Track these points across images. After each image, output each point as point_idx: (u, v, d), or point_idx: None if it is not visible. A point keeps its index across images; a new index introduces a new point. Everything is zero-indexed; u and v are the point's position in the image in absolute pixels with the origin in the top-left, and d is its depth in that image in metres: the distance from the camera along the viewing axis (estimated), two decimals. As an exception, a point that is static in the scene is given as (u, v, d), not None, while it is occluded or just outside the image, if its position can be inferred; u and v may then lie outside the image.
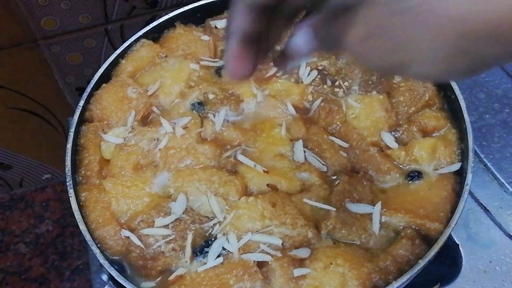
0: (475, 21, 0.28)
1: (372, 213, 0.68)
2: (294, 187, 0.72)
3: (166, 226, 0.68)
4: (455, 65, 0.31)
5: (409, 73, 0.35)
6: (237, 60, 0.44)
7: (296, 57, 0.45)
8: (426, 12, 0.29)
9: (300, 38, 0.42)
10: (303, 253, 0.65)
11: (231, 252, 0.66)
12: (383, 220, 0.69)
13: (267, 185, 0.71)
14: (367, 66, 0.36)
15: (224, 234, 0.67)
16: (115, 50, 0.86)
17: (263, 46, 0.45)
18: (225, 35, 0.44)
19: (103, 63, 0.85)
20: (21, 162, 1.39)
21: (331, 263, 0.64)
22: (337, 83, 0.82)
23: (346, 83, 0.83)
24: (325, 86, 0.82)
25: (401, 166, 0.74)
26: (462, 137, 0.75)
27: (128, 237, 0.68)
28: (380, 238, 0.68)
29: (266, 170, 0.72)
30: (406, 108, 0.79)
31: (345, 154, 0.75)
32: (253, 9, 0.41)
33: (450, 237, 0.66)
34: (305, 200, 0.70)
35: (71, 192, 0.71)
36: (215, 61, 0.86)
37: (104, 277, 0.68)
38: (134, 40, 0.87)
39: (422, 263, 0.63)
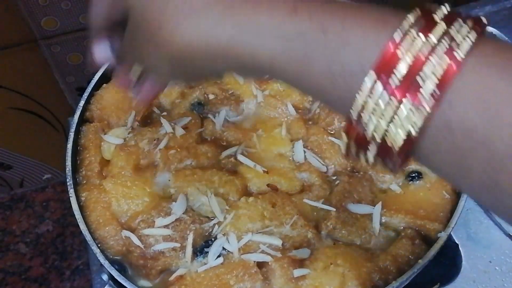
0: (180, 44, 0.39)
1: (372, 214, 0.68)
2: (294, 187, 0.72)
3: (166, 226, 0.68)
4: (177, 71, 0.43)
5: (157, 73, 0.46)
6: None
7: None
8: (155, 32, 0.40)
9: (99, 49, 0.56)
10: (303, 253, 0.65)
11: (231, 252, 0.66)
12: (383, 220, 0.69)
13: (267, 185, 0.71)
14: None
15: (224, 234, 0.67)
16: (115, 50, 0.86)
17: None
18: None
19: (103, 63, 0.85)
20: (21, 162, 1.39)
21: (331, 263, 0.64)
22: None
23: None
24: (325, 86, 0.82)
25: (401, 166, 0.74)
26: (462, 137, 0.75)
27: (129, 237, 0.68)
28: (380, 238, 0.68)
29: (266, 170, 0.72)
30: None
31: (345, 154, 0.75)
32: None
33: (450, 237, 0.66)
34: (305, 200, 0.70)
35: (71, 192, 0.71)
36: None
37: (105, 277, 0.68)
38: (134, 40, 0.87)
39: (422, 263, 0.63)
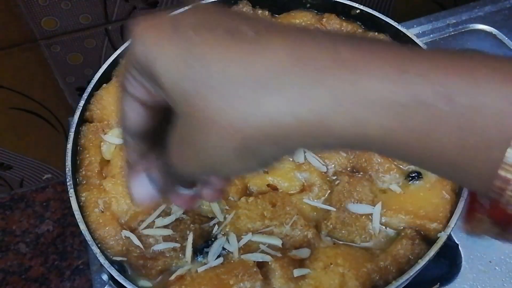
0: (246, 131, 0.31)
1: (372, 214, 0.69)
2: (294, 187, 0.72)
3: (166, 226, 0.68)
4: (248, 162, 0.33)
5: (222, 174, 0.39)
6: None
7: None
8: (210, 125, 0.32)
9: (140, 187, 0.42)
10: (303, 253, 0.65)
11: (231, 252, 0.66)
12: (383, 220, 0.69)
13: (267, 185, 0.71)
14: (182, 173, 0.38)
15: (224, 234, 0.67)
16: (116, 50, 0.86)
17: None
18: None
19: (104, 63, 0.85)
20: (21, 162, 1.39)
21: (331, 263, 0.64)
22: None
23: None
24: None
25: (401, 166, 0.74)
26: (461, 137, 0.75)
27: (129, 237, 0.68)
28: (380, 238, 0.68)
29: (266, 170, 0.72)
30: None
31: (345, 154, 0.75)
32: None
33: (449, 237, 0.66)
34: (305, 200, 0.70)
35: (71, 192, 0.71)
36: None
37: (105, 277, 0.68)
38: (134, 40, 0.87)
39: (422, 263, 0.63)
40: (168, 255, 0.67)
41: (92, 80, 0.82)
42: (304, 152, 0.74)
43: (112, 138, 0.77)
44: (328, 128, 0.30)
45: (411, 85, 0.28)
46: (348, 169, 0.74)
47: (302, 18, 0.90)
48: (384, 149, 0.30)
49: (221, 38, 0.31)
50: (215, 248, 0.66)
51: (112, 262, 0.66)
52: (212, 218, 0.69)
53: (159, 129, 0.40)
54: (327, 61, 0.29)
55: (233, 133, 0.31)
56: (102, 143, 0.77)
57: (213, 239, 0.67)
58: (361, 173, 0.74)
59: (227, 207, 0.69)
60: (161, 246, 0.67)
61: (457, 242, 0.80)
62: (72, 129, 0.77)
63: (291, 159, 0.74)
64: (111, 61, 0.85)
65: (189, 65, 0.31)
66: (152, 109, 0.38)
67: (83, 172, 0.75)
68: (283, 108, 0.30)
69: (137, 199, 0.43)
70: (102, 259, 0.65)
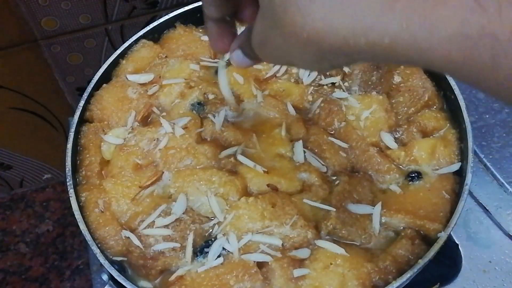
0: (324, 41, 0.35)
1: (372, 214, 0.69)
2: (294, 187, 0.72)
3: (166, 226, 0.68)
4: (321, 65, 0.40)
5: (297, 66, 0.49)
6: (214, 37, 0.55)
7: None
8: (293, 31, 0.37)
9: (235, 57, 0.53)
10: (303, 253, 0.65)
11: (231, 253, 0.66)
12: (383, 220, 0.69)
13: (267, 185, 0.71)
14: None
15: (224, 235, 0.67)
16: (115, 50, 0.86)
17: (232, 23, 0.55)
18: (204, 20, 0.55)
19: (103, 63, 0.85)
20: (21, 162, 1.39)
21: (331, 263, 0.64)
22: (337, 84, 0.83)
23: (346, 84, 0.83)
24: (325, 87, 0.83)
25: (400, 166, 0.74)
26: (461, 137, 0.75)
27: (129, 237, 0.68)
28: (380, 238, 0.68)
29: (266, 170, 0.72)
30: (405, 108, 0.79)
31: (345, 155, 0.75)
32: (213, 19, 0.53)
33: (449, 237, 0.66)
34: (305, 200, 0.70)
35: (71, 192, 0.71)
36: (215, 62, 0.86)
37: (105, 277, 0.68)
38: (134, 41, 0.87)
39: (421, 263, 0.63)
40: (168, 255, 0.67)
41: (92, 80, 0.82)
42: (304, 152, 0.74)
43: (112, 138, 0.77)
44: (396, 52, 0.33)
45: (483, 20, 0.29)
46: (348, 169, 0.74)
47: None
48: (443, 71, 0.34)
49: None
50: (215, 248, 0.66)
51: (112, 262, 0.66)
52: (212, 218, 0.69)
53: None
54: None
55: (310, 43, 0.36)
56: (102, 143, 0.77)
57: (213, 239, 0.67)
58: (361, 173, 0.74)
59: (227, 207, 0.69)
60: (161, 246, 0.67)
61: (457, 242, 0.80)
62: (72, 129, 0.77)
63: (291, 159, 0.74)
64: (111, 61, 0.85)
65: None
66: None
67: (83, 172, 0.75)
68: (357, 31, 0.33)
69: (217, 48, 0.55)
70: (102, 259, 0.65)
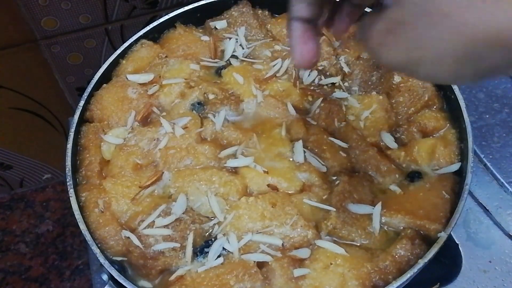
0: (483, 29, 0.31)
1: (372, 214, 0.68)
2: (294, 187, 0.72)
3: (166, 226, 0.68)
4: (461, 68, 0.34)
5: (418, 72, 0.38)
6: (301, 42, 0.48)
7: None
8: (446, 17, 0.32)
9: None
10: (303, 253, 0.65)
11: (231, 252, 0.66)
12: (383, 220, 0.69)
13: (267, 185, 0.71)
14: (381, 60, 0.40)
15: (224, 234, 0.67)
16: (115, 50, 0.86)
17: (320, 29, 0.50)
18: (287, 20, 0.48)
19: (103, 63, 0.85)
20: (21, 162, 1.39)
21: (331, 263, 0.64)
22: (337, 84, 0.83)
23: (346, 84, 0.83)
24: (325, 87, 0.83)
25: (400, 166, 0.74)
26: (461, 137, 0.75)
27: (129, 237, 0.68)
28: (380, 238, 0.68)
29: (266, 170, 0.72)
30: (405, 108, 0.79)
31: (345, 155, 0.75)
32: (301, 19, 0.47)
33: (449, 237, 0.66)
34: (305, 200, 0.70)
35: (71, 192, 0.71)
36: (215, 62, 0.86)
37: (105, 277, 0.68)
38: (134, 41, 0.87)
39: (422, 263, 0.63)
40: (168, 255, 0.67)
41: (92, 80, 0.82)
42: (304, 152, 0.74)
43: (112, 138, 0.77)
44: None
45: None
46: (348, 169, 0.74)
47: (302, 18, 0.90)
48: None
49: None
50: (215, 248, 0.66)
51: (112, 262, 0.66)
52: (212, 218, 0.69)
53: None
54: None
55: (465, 32, 0.32)
56: (102, 143, 0.77)
57: (213, 239, 0.67)
58: (361, 173, 0.74)
59: (227, 207, 0.69)
60: (161, 246, 0.67)
61: (457, 242, 0.80)
62: (72, 129, 0.77)
63: (291, 159, 0.74)
64: (111, 61, 0.85)
65: None
66: None
67: (83, 172, 0.75)
68: None
69: (303, 60, 0.48)
70: (102, 259, 0.65)
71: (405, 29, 0.36)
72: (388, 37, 0.38)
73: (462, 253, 0.80)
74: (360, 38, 0.43)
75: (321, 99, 0.80)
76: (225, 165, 0.74)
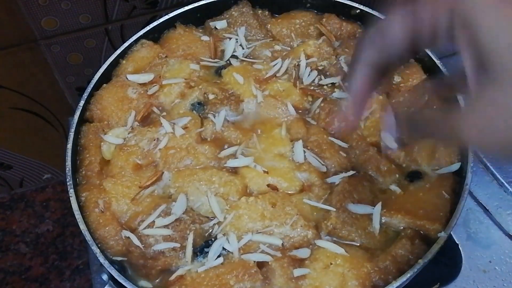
0: None
1: (372, 214, 0.68)
2: (294, 187, 0.72)
3: (166, 226, 0.68)
4: None
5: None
6: (362, 100, 0.48)
7: None
8: None
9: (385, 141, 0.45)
10: (303, 253, 0.65)
11: (231, 252, 0.66)
12: (383, 220, 0.69)
13: (267, 185, 0.71)
14: (489, 152, 0.38)
15: (224, 234, 0.67)
16: (115, 50, 0.86)
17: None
18: (347, 90, 0.48)
19: (103, 63, 0.85)
20: (21, 162, 1.39)
21: (331, 263, 0.64)
22: (337, 84, 0.83)
23: (346, 84, 0.83)
24: (325, 87, 0.83)
25: (400, 166, 0.74)
26: (461, 137, 0.75)
27: (129, 237, 0.68)
28: (380, 238, 0.68)
29: (266, 170, 0.72)
30: (405, 108, 0.79)
31: (345, 154, 0.75)
32: (372, 68, 0.45)
33: (449, 237, 0.66)
34: (305, 200, 0.70)
35: (71, 192, 0.71)
36: (215, 62, 0.86)
37: (105, 277, 0.68)
38: (134, 40, 0.87)
39: (421, 263, 0.63)
40: (168, 255, 0.67)
41: (92, 80, 0.82)
42: (304, 152, 0.74)
43: (112, 138, 0.77)
44: None
45: None
46: (348, 169, 0.74)
47: (302, 18, 0.90)
48: None
49: None
50: (215, 248, 0.66)
51: (112, 262, 0.66)
52: (212, 218, 0.69)
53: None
54: None
55: None
56: (102, 143, 0.77)
57: (213, 239, 0.67)
58: (361, 173, 0.74)
59: (227, 207, 0.69)
60: (161, 246, 0.67)
61: (457, 242, 0.80)
62: (72, 129, 0.77)
63: (291, 159, 0.74)
64: (111, 61, 0.85)
65: None
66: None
67: (83, 172, 0.75)
68: None
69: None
70: (102, 259, 0.65)
71: (505, 109, 0.32)
72: (479, 120, 0.34)
73: (462, 253, 0.80)
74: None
75: (321, 99, 0.80)
76: (225, 165, 0.74)
